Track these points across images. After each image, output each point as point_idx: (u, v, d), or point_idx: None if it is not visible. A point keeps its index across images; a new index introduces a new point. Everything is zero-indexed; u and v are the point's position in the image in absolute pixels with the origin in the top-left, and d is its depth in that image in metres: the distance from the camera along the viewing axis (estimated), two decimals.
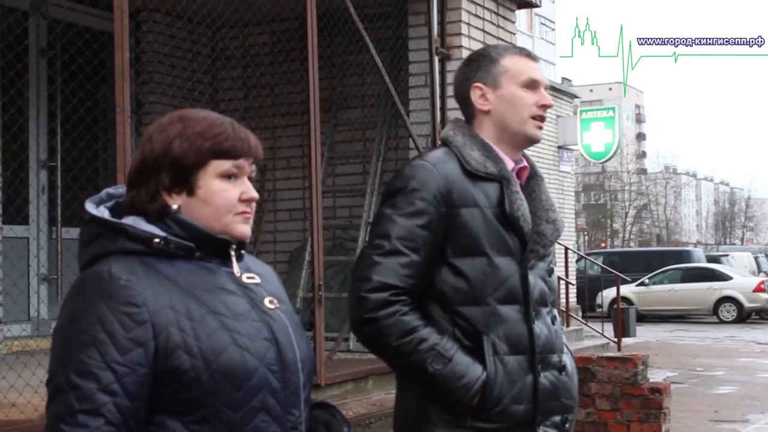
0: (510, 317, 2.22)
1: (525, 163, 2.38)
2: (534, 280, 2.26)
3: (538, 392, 2.23)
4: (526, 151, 2.43)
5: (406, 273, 2.19)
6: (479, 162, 2.27)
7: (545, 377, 2.26)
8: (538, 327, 2.26)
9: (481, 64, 2.36)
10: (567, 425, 2.32)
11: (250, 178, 1.74)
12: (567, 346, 2.46)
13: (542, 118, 2.33)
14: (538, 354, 2.24)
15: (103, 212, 1.69)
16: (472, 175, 2.25)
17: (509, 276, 2.23)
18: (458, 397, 2.17)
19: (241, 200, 1.71)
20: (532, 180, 2.39)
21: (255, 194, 1.73)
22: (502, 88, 2.32)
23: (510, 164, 2.32)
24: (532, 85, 2.32)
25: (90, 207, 1.70)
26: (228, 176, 1.70)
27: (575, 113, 23.73)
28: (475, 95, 2.35)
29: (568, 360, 2.36)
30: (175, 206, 1.68)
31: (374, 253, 2.21)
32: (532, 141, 2.35)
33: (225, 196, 1.69)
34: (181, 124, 1.70)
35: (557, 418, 2.29)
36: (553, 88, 21.49)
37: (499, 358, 2.20)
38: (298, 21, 7.13)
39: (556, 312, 2.36)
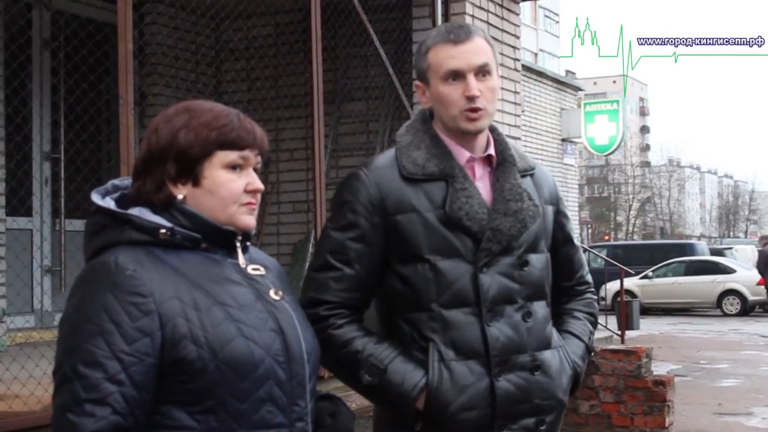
0: (457, 321, 2.11)
1: (491, 151, 2.22)
2: (491, 279, 2.13)
3: (496, 396, 2.10)
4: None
5: (339, 287, 2.13)
6: (418, 164, 2.16)
7: (507, 380, 2.12)
8: (496, 328, 2.12)
9: (417, 59, 2.22)
10: (543, 427, 2.19)
11: (255, 170, 1.74)
12: (581, 338, 2.32)
13: (474, 110, 2.13)
14: (495, 357, 2.11)
15: (109, 203, 1.70)
16: (411, 179, 2.15)
17: (456, 279, 2.11)
18: (399, 405, 2.12)
19: (247, 191, 1.72)
20: (500, 167, 2.22)
21: (260, 185, 1.73)
22: (431, 85, 2.18)
23: (464, 156, 2.19)
24: (455, 75, 2.13)
25: (96, 198, 1.70)
26: (233, 167, 1.70)
27: (579, 106, 23.72)
28: (419, 93, 2.26)
29: (552, 357, 2.20)
30: (180, 196, 1.69)
31: (311, 268, 2.19)
32: (471, 134, 2.17)
33: (230, 187, 1.70)
34: (187, 115, 1.71)
35: (530, 421, 2.16)
36: (557, 81, 21.45)
37: (445, 364, 2.09)
38: (302, 13, 7.12)
39: (536, 307, 2.19)
